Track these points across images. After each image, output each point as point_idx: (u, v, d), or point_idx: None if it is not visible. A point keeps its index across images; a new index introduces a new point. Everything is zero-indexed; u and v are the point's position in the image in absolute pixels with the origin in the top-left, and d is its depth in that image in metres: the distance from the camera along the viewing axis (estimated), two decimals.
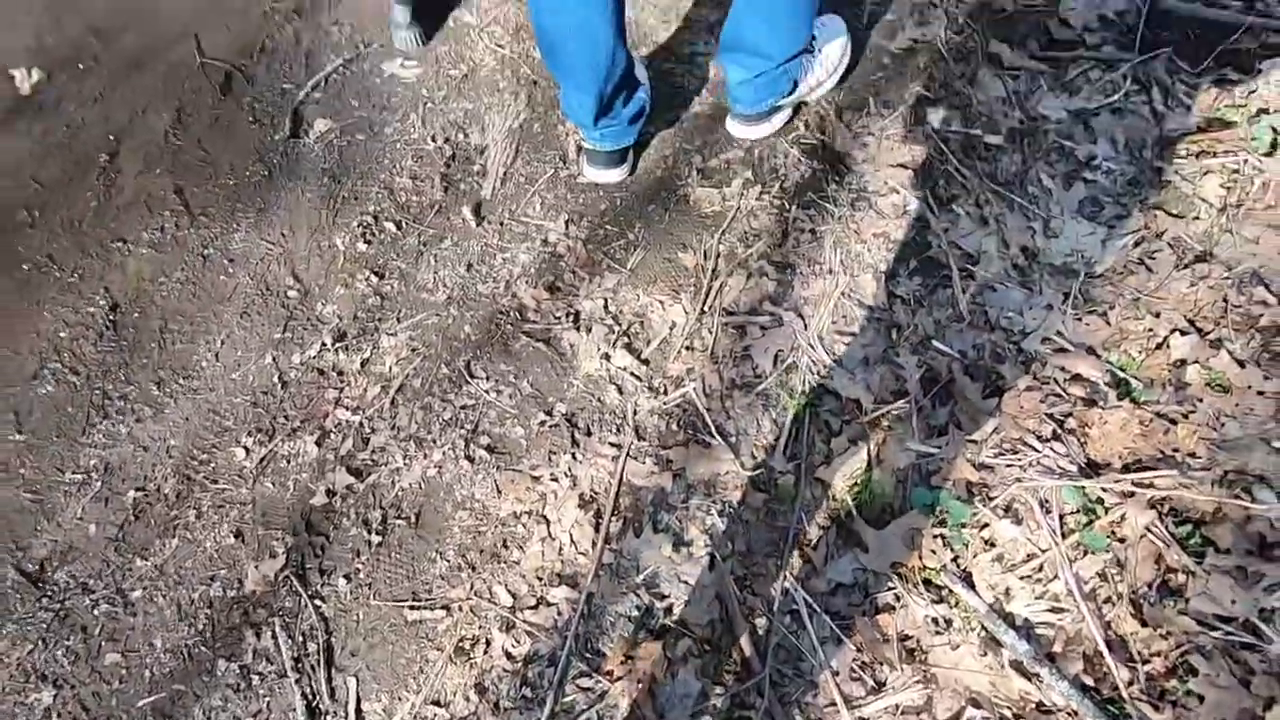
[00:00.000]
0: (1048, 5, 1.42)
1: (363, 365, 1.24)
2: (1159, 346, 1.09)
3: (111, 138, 1.53)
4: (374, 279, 1.31)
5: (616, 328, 1.22)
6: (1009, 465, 1.04)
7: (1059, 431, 1.05)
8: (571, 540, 1.06)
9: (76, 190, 1.47)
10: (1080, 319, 1.13)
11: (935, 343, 1.14)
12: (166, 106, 1.55)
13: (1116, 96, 1.30)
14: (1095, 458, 1.04)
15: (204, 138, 1.51)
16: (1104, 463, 1.03)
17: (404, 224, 1.37)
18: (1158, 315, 1.11)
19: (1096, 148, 1.27)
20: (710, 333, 1.19)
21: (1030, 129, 1.30)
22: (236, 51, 1.61)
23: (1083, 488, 1.01)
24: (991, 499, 1.02)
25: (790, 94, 1.28)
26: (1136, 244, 1.18)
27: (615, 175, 1.33)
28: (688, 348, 1.19)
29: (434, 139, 1.45)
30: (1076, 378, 1.09)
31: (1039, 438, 1.05)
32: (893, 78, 1.39)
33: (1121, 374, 1.08)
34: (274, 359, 1.26)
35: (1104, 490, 1.00)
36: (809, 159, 1.32)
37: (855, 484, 1.07)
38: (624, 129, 1.25)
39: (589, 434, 1.14)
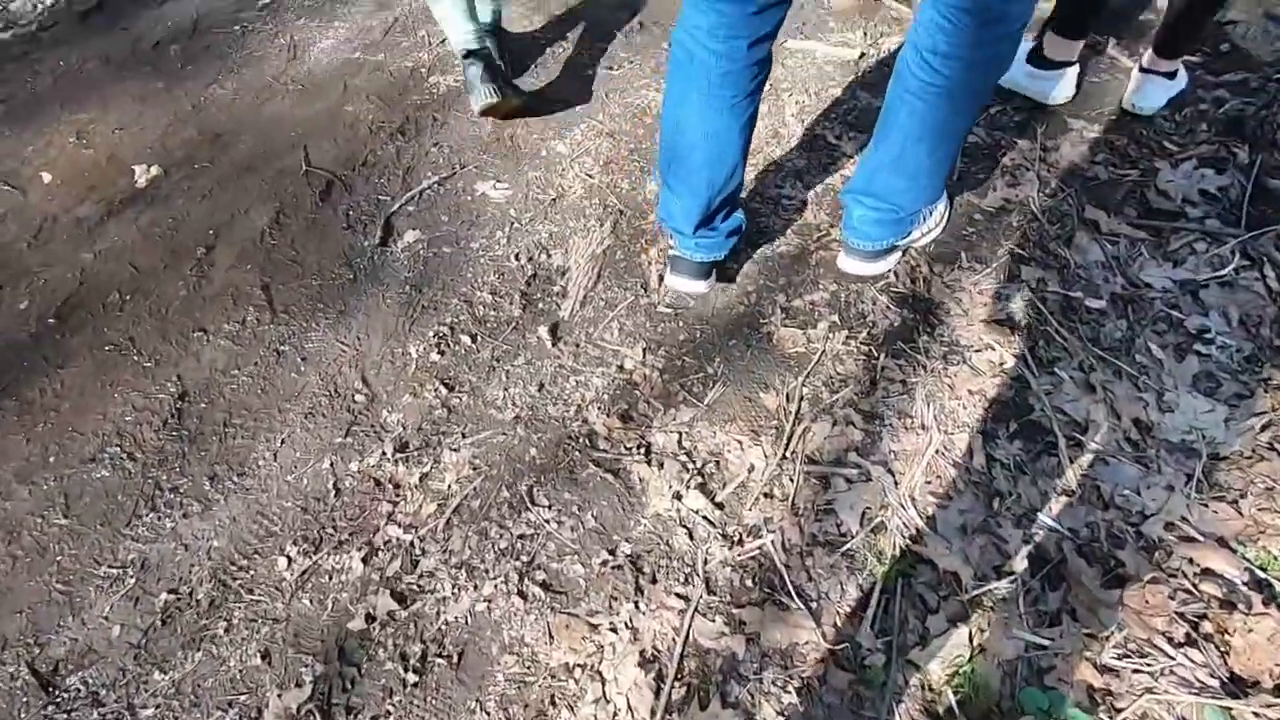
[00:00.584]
0: (1143, 175, 1.41)
1: (421, 480, 1.18)
2: None
3: (211, 232, 1.59)
4: (443, 390, 1.28)
5: (690, 465, 1.15)
6: (1137, 671, 0.91)
7: (1193, 636, 0.92)
8: (629, 706, 0.94)
9: (170, 278, 1.51)
10: (1207, 505, 1.02)
11: (1042, 516, 1.04)
12: (267, 207, 1.62)
13: (1226, 271, 1.25)
14: (1241, 673, 0.90)
15: (297, 239, 1.56)
16: (1251, 680, 0.89)
17: (479, 337, 1.35)
18: None
19: (1208, 320, 1.21)
20: (791, 481, 1.11)
21: (1133, 296, 1.25)
22: (341, 163, 1.70)
23: (1230, 710, 0.86)
24: (1118, 709, 0.88)
25: (908, 236, 1.28)
26: (1264, 427, 1.08)
27: (700, 287, 1.32)
28: (766, 495, 1.11)
29: (517, 257, 1.47)
30: (1208, 573, 0.97)
31: (1171, 641, 0.92)
32: (984, 234, 1.37)
33: (1263, 574, 0.96)
34: (331, 464, 1.21)
35: (1255, 716, 0.85)
36: (898, 307, 1.29)
37: (955, 673, 0.94)
38: (720, 241, 1.25)
39: (654, 581, 1.05)
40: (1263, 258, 1.26)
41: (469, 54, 1.60)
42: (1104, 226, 1.34)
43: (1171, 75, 1.47)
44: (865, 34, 1.84)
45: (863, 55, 1.78)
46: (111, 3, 2.28)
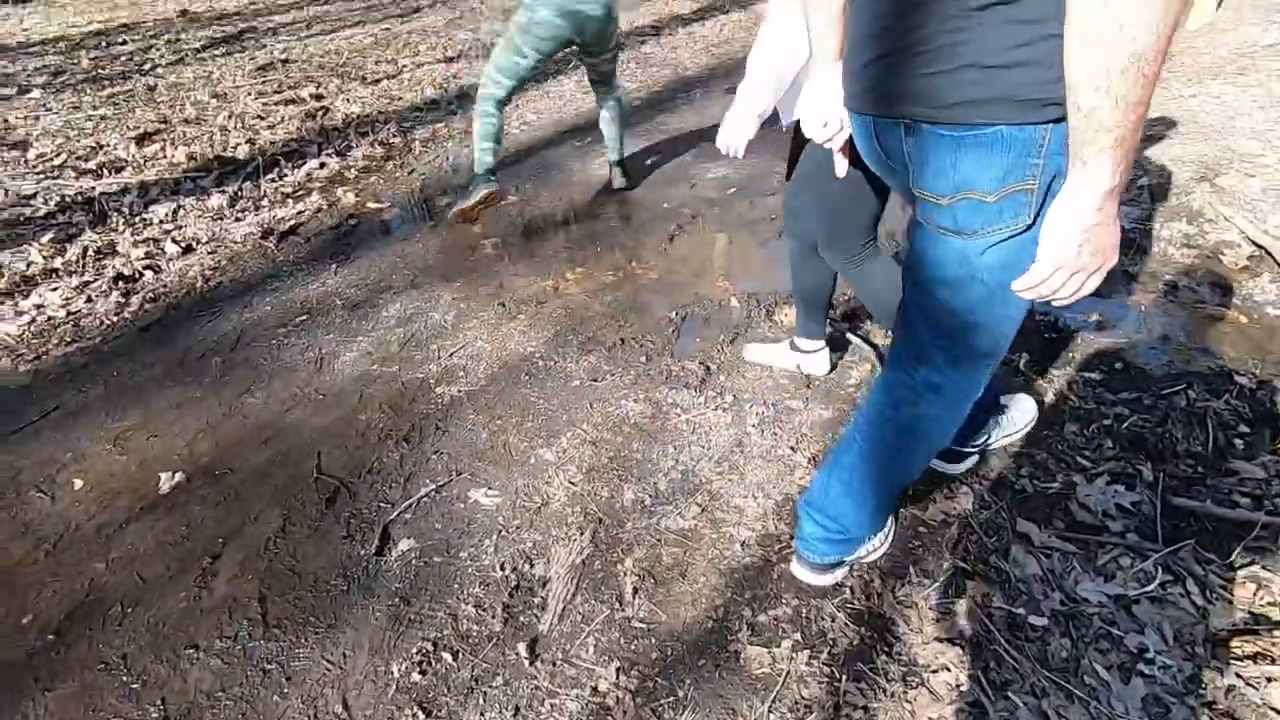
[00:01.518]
0: (1063, 489, 1.58)
1: None
2: None
3: (220, 540, 1.71)
4: (421, 716, 1.31)
5: None
6: None
7: None
8: None
9: (173, 589, 1.60)
10: None
11: None
12: (276, 514, 1.76)
13: (1152, 587, 1.36)
14: None
15: (299, 548, 1.67)
16: None
17: (461, 654, 1.41)
18: None
19: (1145, 638, 1.28)
20: None
21: (1073, 611, 1.35)
22: (349, 469, 1.88)
23: None
24: None
25: (854, 554, 1.40)
26: None
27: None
28: None
29: (502, 567, 1.58)
30: None
31: None
32: (929, 547, 1.50)
33: None
34: None
35: None
36: (856, 624, 1.37)
37: None
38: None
39: None
40: (1184, 573, 1.38)
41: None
42: (1035, 539, 1.48)
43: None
44: None
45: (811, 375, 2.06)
46: (169, 318, 2.66)
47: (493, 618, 1.47)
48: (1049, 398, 1.86)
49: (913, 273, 1.10)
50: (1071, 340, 2.07)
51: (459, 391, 2.13)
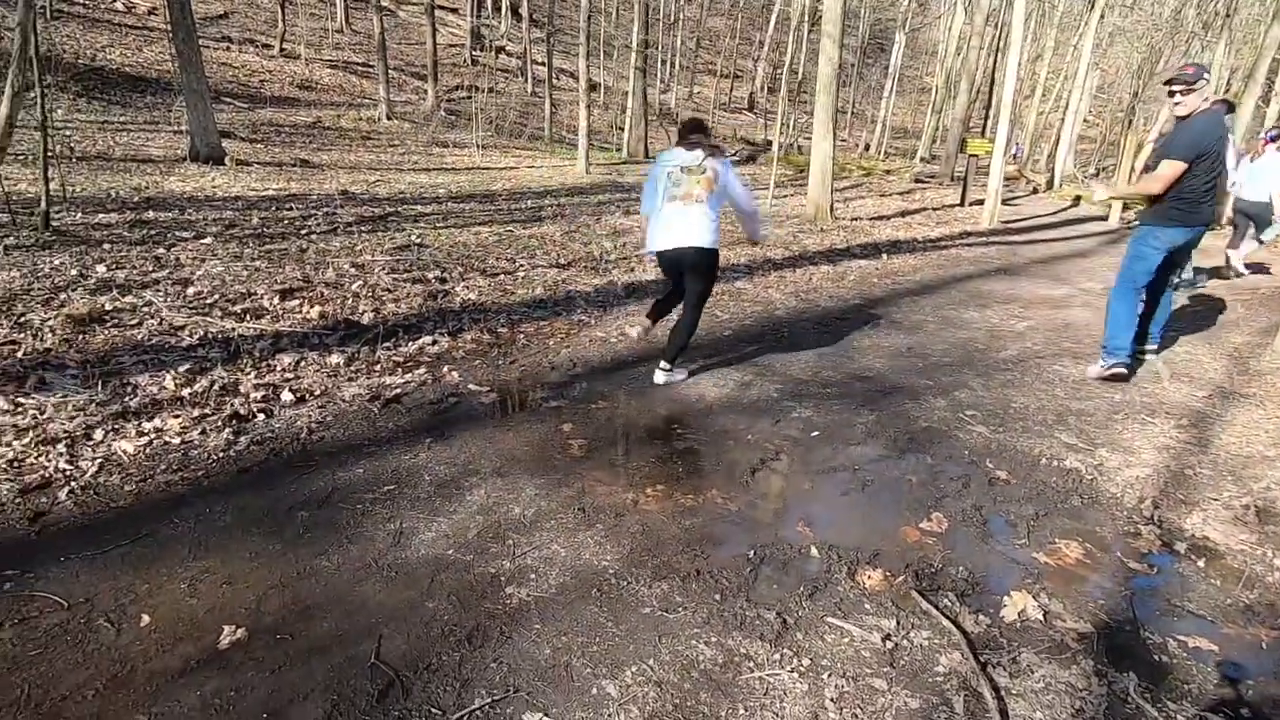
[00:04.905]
0: None
1: None
2: None
3: (264, 716, 1.65)
4: None
5: None
6: None
7: None
8: None
9: None
10: None
11: None
12: (325, 699, 1.70)
13: None
14: None
15: None
16: None
17: None
18: None
19: None
20: None
21: None
22: (408, 662, 1.83)
23: None
24: None
25: None
26: None
27: None
28: None
29: None
30: None
31: None
32: None
33: None
34: None
35: None
36: None
37: None
38: None
39: None
40: None
41: None
42: None
43: None
44: (898, 623, 2.04)
45: (895, 645, 1.95)
46: (270, 463, 2.79)
47: None
48: None
49: None
50: (1188, 668, 1.90)
51: (528, 596, 2.09)
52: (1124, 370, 4.09)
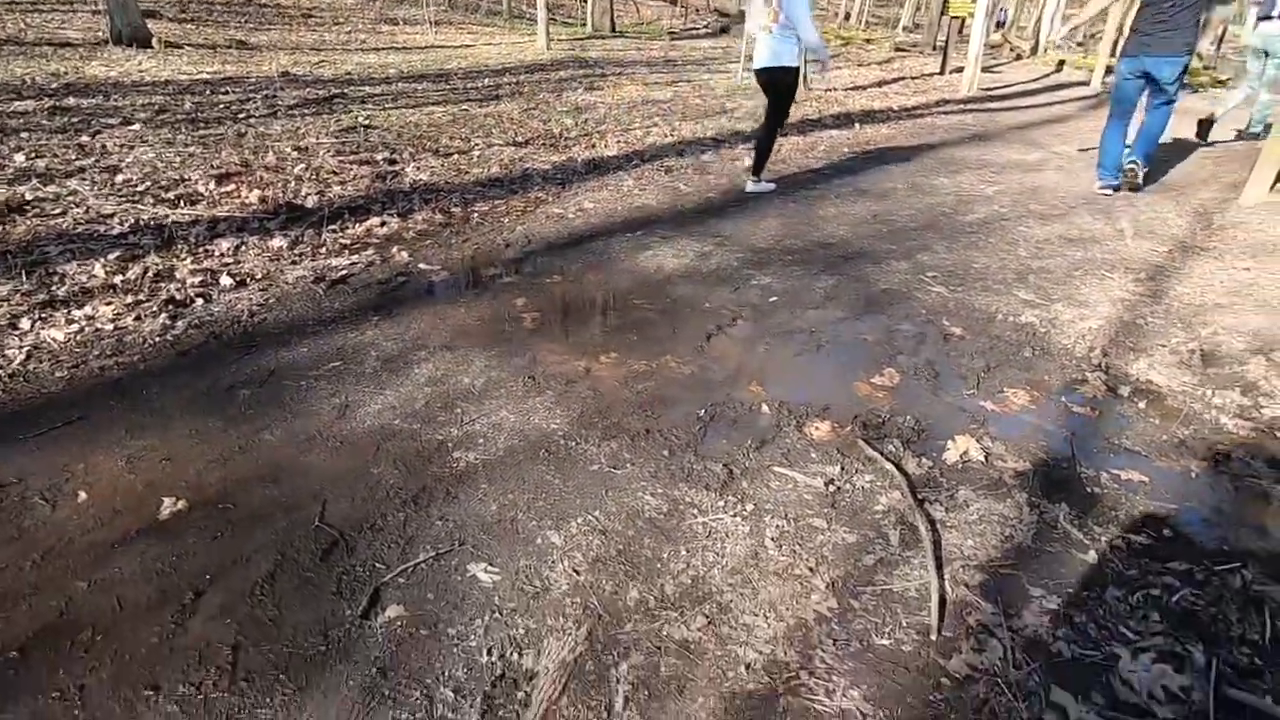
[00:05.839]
0: (1105, 660, 1.45)
1: None
2: None
3: (207, 576, 1.65)
4: None
5: None
6: None
7: None
8: None
9: (147, 621, 1.53)
10: None
11: None
12: (268, 559, 1.70)
13: None
14: None
15: (285, 598, 1.60)
16: None
17: None
18: None
19: None
20: None
21: None
22: (351, 523, 1.83)
23: None
24: None
25: None
26: None
27: None
28: None
29: (489, 652, 1.48)
30: None
31: None
32: (955, 706, 1.37)
33: None
34: None
35: None
36: None
37: None
38: None
39: None
40: None
41: None
42: (1072, 714, 1.34)
43: None
44: (842, 468, 2.07)
45: (837, 488, 1.98)
46: (209, 347, 2.70)
47: (470, 706, 1.37)
48: (1090, 556, 1.75)
49: None
50: (1117, 498, 1.97)
51: (475, 459, 2.09)
52: (1109, 188, 4.93)
